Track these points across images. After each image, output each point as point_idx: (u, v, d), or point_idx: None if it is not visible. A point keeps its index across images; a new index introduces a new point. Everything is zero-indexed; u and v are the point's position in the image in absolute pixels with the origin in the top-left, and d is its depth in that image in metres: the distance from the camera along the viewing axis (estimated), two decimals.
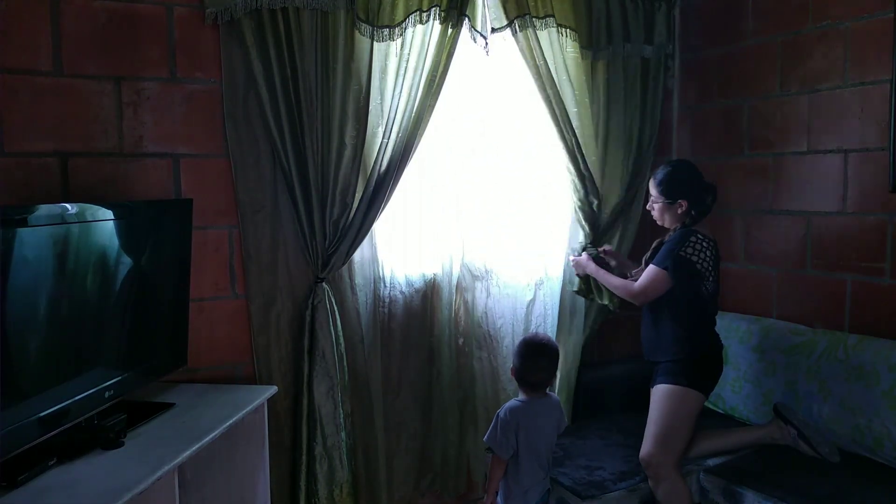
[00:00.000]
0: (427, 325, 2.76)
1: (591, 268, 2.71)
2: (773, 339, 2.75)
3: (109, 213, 1.87)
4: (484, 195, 2.87)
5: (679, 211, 2.45)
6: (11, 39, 2.06)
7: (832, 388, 2.50)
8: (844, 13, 2.62)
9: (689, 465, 2.47)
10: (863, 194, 2.62)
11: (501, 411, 2.21)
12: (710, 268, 2.39)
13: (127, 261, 1.96)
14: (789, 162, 2.87)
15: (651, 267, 2.44)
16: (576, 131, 2.82)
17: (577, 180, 2.87)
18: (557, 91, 2.76)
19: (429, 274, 2.76)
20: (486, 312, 2.87)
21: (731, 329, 2.90)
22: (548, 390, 2.28)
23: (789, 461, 2.45)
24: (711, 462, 2.51)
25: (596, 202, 2.92)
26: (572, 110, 2.81)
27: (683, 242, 2.37)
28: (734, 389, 2.86)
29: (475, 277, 2.85)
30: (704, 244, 2.39)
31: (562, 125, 2.79)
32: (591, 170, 2.89)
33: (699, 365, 2.44)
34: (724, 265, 3.13)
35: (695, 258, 2.36)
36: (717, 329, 2.55)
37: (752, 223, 3.05)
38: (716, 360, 2.50)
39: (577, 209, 2.92)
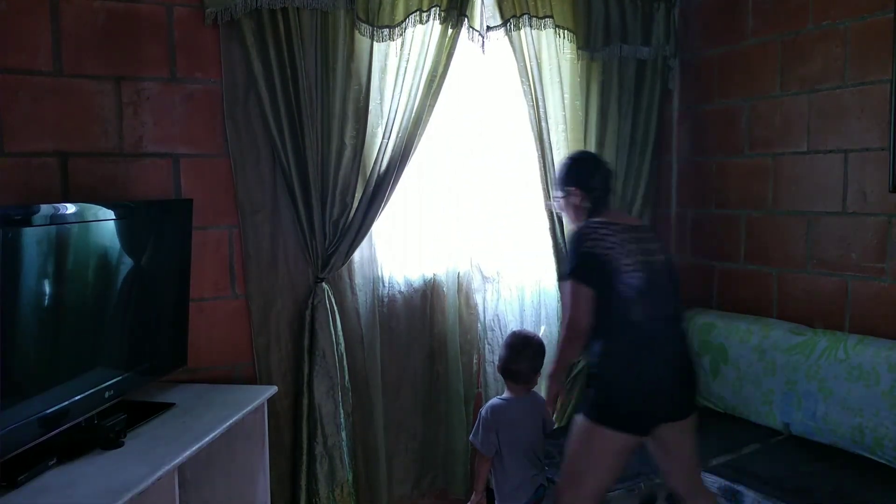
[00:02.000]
0: (427, 325, 2.76)
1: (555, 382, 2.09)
2: (773, 339, 2.74)
3: (110, 213, 1.87)
4: (484, 195, 2.87)
5: (575, 202, 2.10)
6: (11, 39, 2.06)
7: (832, 388, 2.50)
8: (844, 13, 2.62)
9: None
10: (863, 194, 2.62)
11: (483, 409, 2.27)
12: (621, 254, 1.90)
13: (127, 261, 1.96)
14: (789, 162, 2.87)
15: (563, 284, 2.02)
16: (553, 148, 2.82)
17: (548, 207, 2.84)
18: (543, 96, 2.78)
19: (429, 274, 2.76)
20: (496, 315, 2.89)
21: (731, 329, 2.90)
22: (534, 390, 2.33)
23: (789, 461, 2.44)
24: (712, 461, 2.50)
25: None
26: (559, 114, 2.82)
27: (580, 236, 1.96)
28: (734, 389, 2.86)
29: (484, 279, 2.86)
30: (604, 230, 1.94)
31: (542, 139, 2.80)
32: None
33: (617, 393, 1.91)
34: (724, 265, 3.16)
35: (598, 250, 1.90)
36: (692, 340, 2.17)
37: (752, 223, 3.04)
38: (639, 390, 1.89)
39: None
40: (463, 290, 2.81)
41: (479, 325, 2.85)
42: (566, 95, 2.84)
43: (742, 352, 2.83)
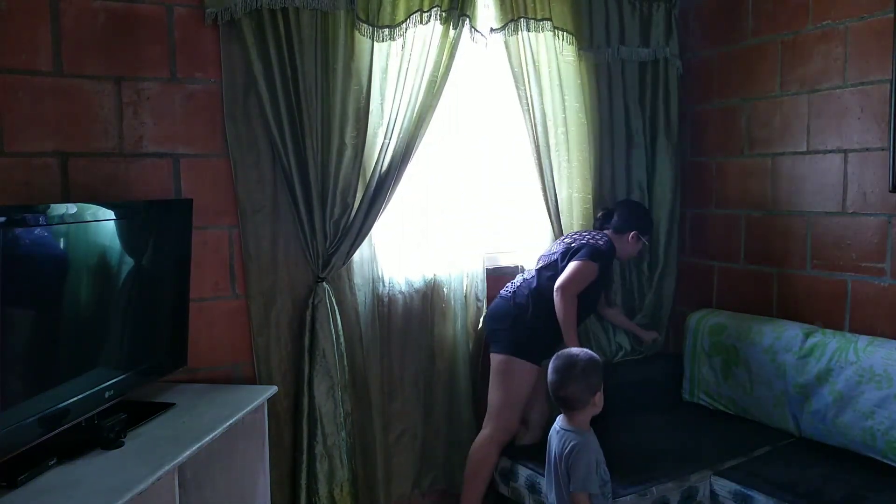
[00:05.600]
0: (428, 325, 2.75)
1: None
2: (784, 341, 2.71)
3: (109, 213, 1.87)
4: (486, 194, 2.87)
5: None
6: (11, 39, 2.06)
7: (843, 391, 2.48)
8: (844, 13, 2.62)
9: (705, 470, 2.44)
10: (863, 194, 2.62)
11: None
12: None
13: (127, 261, 1.96)
14: (789, 162, 2.87)
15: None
16: (551, 154, 2.83)
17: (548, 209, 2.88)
18: (540, 98, 2.78)
19: (429, 274, 2.75)
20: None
21: (742, 330, 2.85)
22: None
23: (801, 464, 2.42)
24: (724, 464, 2.47)
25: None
26: (559, 117, 2.82)
27: None
28: (746, 391, 2.83)
29: (485, 278, 2.86)
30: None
31: (538, 141, 2.81)
32: (561, 206, 2.89)
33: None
34: (724, 265, 3.18)
35: None
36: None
37: (752, 223, 3.04)
38: None
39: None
40: (464, 289, 2.80)
41: (480, 323, 2.85)
42: (566, 97, 2.84)
43: (753, 353, 2.79)
